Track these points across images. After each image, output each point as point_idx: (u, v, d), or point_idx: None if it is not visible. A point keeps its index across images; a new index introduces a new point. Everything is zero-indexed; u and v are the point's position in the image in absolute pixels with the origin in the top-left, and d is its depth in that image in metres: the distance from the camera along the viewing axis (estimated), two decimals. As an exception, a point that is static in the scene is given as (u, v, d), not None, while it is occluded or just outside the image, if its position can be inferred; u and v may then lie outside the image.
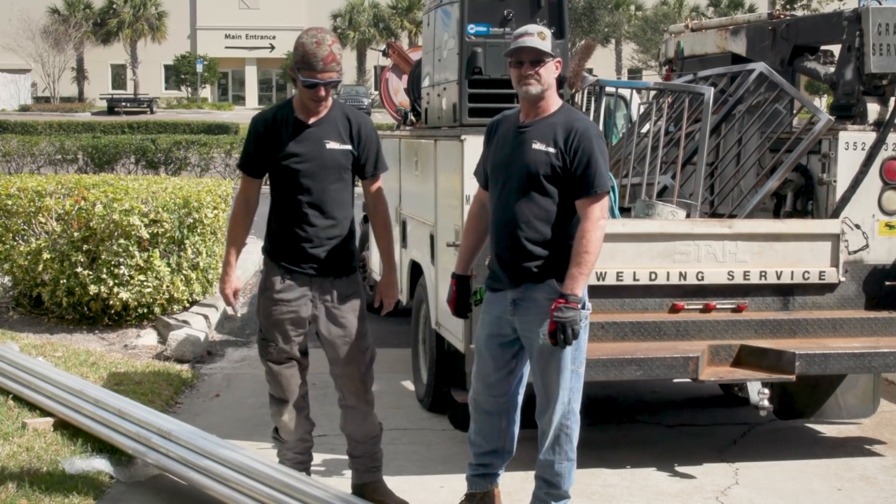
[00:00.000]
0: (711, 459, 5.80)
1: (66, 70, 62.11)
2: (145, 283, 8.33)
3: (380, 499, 4.73)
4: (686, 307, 5.64)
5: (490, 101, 5.76)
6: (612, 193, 5.81)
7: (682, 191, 6.17)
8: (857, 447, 6.10)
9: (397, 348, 7.75)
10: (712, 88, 6.29)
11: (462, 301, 4.66)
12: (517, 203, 4.32)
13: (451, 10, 6.01)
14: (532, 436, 4.53)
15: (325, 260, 4.53)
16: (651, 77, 49.68)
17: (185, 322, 8.45)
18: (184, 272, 8.67)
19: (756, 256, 5.71)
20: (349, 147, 4.53)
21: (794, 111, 6.51)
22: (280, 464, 4.80)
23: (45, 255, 8.35)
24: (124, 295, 8.28)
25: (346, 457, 4.88)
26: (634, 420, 6.61)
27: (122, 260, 8.21)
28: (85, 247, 8.28)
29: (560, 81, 5.89)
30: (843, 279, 5.80)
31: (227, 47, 67.93)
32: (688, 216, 5.85)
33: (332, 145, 4.49)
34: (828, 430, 6.42)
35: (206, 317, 8.87)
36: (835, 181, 5.86)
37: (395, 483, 5.14)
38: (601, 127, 6.53)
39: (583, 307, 4.25)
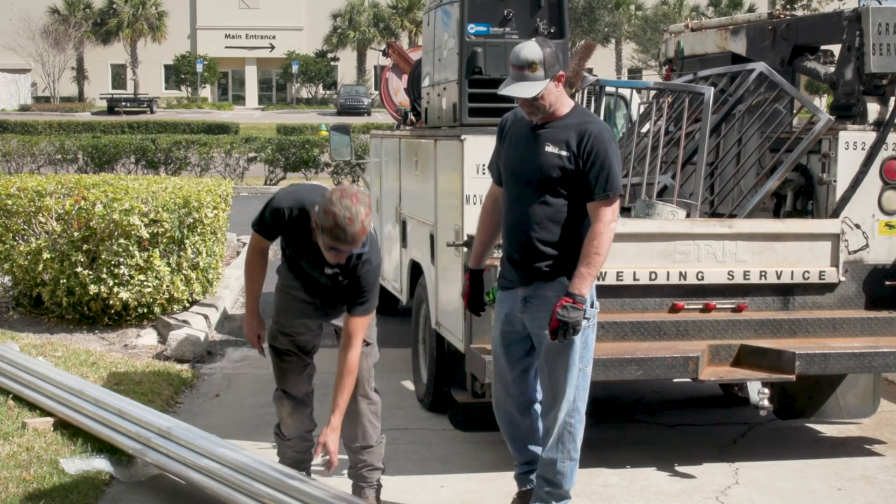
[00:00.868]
0: (711, 459, 5.80)
1: (66, 70, 62.14)
2: (145, 283, 8.33)
3: None
4: (686, 307, 5.64)
5: (490, 101, 5.76)
6: None
7: (682, 191, 6.17)
8: (857, 447, 6.10)
9: (397, 348, 7.74)
10: (712, 88, 6.29)
11: (475, 296, 4.68)
12: (530, 204, 4.33)
13: (451, 10, 6.01)
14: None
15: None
16: (651, 77, 49.67)
17: (185, 322, 8.45)
18: (184, 272, 8.67)
19: (756, 256, 5.71)
20: (347, 281, 4.48)
21: (794, 111, 6.51)
22: (280, 462, 4.80)
23: (45, 255, 8.35)
24: (124, 295, 8.28)
25: (346, 457, 4.88)
26: (634, 420, 6.61)
27: (122, 260, 8.21)
28: (85, 247, 8.27)
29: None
30: (843, 279, 5.80)
31: (227, 47, 67.95)
32: (688, 216, 5.85)
33: (330, 271, 4.46)
34: (828, 430, 6.42)
35: (206, 317, 8.87)
36: (835, 181, 5.86)
37: (394, 483, 5.15)
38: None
39: (591, 306, 4.28)
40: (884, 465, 5.79)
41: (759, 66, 6.35)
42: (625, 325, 5.48)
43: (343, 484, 4.84)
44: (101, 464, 5.23)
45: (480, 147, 5.56)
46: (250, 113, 59.28)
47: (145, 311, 8.57)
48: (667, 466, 5.64)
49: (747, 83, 6.35)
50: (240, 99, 69.27)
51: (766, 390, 5.52)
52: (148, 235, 8.24)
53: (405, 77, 8.36)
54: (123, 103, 54.76)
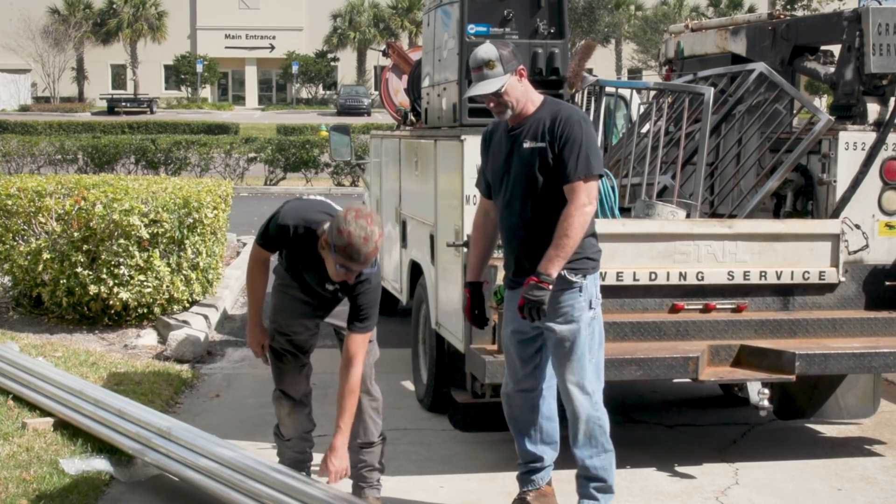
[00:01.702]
0: (711, 459, 5.80)
1: (66, 70, 62.15)
2: (145, 283, 8.33)
3: None
4: (686, 307, 5.64)
5: (490, 102, 5.75)
6: (612, 193, 5.82)
7: (682, 191, 6.17)
8: (857, 447, 6.10)
9: (397, 348, 7.74)
10: (712, 88, 6.29)
11: (477, 308, 4.69)
12: (521, 205, 4.36)
13: (451, 10, 6.01)
14: (563, 434, 4.55)
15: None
16: (651, 77, 49.67)
17: (185, 322, 8.46)
18: (184, 272, 8.67)
19: (756, 256, 5.71)
20: (346, 298, 4.54)
21: (794, 111, 6.51)
22: (280, 463, 4.81)
23: (45, 255, 8.35)
24: (124, 295, 8.28)
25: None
26: (634, 420, 6.61)
27: (122, 260, 8.21)
28: (85, 247, 8.27)
29: (559, 83, 5.91)
30: (843, 279, 5.80)
31: (227, 47, 67.95)
32: (688, 216, 5.85)
33: (331, 287, 4.55)
34: (828, 430, 6.42)
35: (206, 317, 8.87)
36: (835, 181, 5.86)
37: (394, 483, 5.14)
38: (601, 127, 6.53)
39: (595, 297, 4.38)
40: (884, 465, 5.79)
41: (759, 67, 6.35)
42: (625, 326, 5.48)
43: (343, 484, 4.83)
44: (101, 464, 5.24)
45: (480, 147, 5.56)
46: (250, 113, 59.27)
47: (145, 311, 8.57)
48: (667, 466, 5.64)
49: (747, 83, 6.35)
50: (240, 99, 69.27)
51: (766, 390, 5.51)
52: (148, 236, 8.23)
53: (405, 77, 8.35)
54: (123, 103, 54.76)
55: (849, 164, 5.83)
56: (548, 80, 5.85)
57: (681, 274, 5.62)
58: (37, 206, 8.56)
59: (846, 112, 6.02)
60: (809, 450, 6.03)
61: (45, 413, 5.99)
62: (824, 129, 5.86)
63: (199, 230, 8.76)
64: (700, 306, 5.66)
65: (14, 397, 6.28)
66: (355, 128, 21.45)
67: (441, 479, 5.40)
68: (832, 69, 6.31)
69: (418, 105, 7.31)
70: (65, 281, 8.33)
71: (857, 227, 5.84)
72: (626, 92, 8.65)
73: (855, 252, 5.84)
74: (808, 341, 5.58)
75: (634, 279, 5.57)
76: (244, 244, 13.12)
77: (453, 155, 5.72)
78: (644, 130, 6.80)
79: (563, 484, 4.84)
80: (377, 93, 8.96)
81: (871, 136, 5.85)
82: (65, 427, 5.79)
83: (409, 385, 7.13)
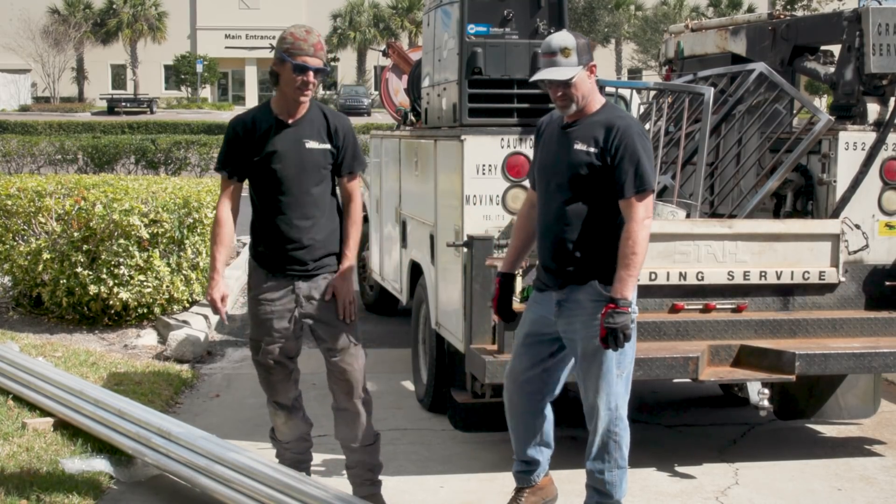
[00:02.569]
0: (711, 459, 5.80)
1: (66, 70, 62.13)
2: (145, 283, 8.33)
3: None
4: (686, 307, 5.64)
5: (490, 101, 5.76)
6: None
7: (682, 191, 6.17)
8: (857, 447, 6.10)
9: (397, 348, 7.74)
10: (712, 88, 6.29)
11: (504, 300, 4.61)
12: (561, 205, 4.28)
13: (451, 10, 6.01)
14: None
15: (309, 260, 4.53)
16: (651, 77, 49.67)
17: (185, 322, 8.46)
18: (184, 272, 8.67)
19: (756, 256, 5.71)
20: (328, 146, 4.52)
21: (794, 111, 6.51)
22: (279, 464, 4.80)
23: (45, 255, 8.35)
24: (124, 295, 8.28)
25: (343, 456, 4.87)
26: (634, 420, 6.57)
27: (122, 260, 8.21)
28: (85, 247, 8.28)
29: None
30: (843, 279, 5.80)
31: (227, 47, 67.93)
32: (688, 216, 5.85)
33: (311, 144, 4.49)
34: (828, 430, 6.42)
35: (206, 317, 8.87)
36: (835, 181, 5.86)
37: (394, 483, 5.14)
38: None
39: (630, 314, 4.18)
40: (884, 465, 5.79)
41: (759, 67, 6.35)
42: (625, 326, 5.46)
43: (343, 484, 4.84)
44: (101, 464, 5.23)
45: (480, 147, 5.57)
46: (250, 113, 59.21)
47: (145, 311, 8.58)
48: (667, 466, 5.64)
49: (747, 83, 6.35)
50: (240, 99, 69.25)
51: (766, 390, 5.51)
52: (148, 236, 8.24)
53: (405, 77, 8.36)
54: (123, 103, 54.73)
55: (849, 164, 5.83)
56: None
57: (681, 274, 5.62)
58: (37, 206, 8.57)
59: (846, 112, 6.02)
60: (809, 450, 6.03)
61: (45, 413, 5.99)
62: (824, 129, 5.86)
63: (199, 230, 8.77)
64: (700, 306, 5.66)
65: (14, 397, 6.28)
66: (355, 128, 21.43)
67: (441, 479, 5.40)
68: (832, 69, 6.31)
69: (418, 105, 7.31)
70: (65, 281, 8.33)
71: (857, 227, 5.84)
72: (626, 92, 8.66)
73: (855, 252, 5.84)
74: (808, 341, 5.58)
75: (634, 279, 5.55)
76: (244, 244, 13.12)
77: (453, 155, 5.72)
78: (644, 130, 6.79)
79: (563, 484, 4.84)
80: (377, 93, 8.98)
81: (871, 136, 5.85)
82: (65, 427, 5.79)
83: (409, 385, 7.13)
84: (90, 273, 8.26)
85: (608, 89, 6.90)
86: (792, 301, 5.78)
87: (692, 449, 5.98)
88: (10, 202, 8.67)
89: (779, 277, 5.72)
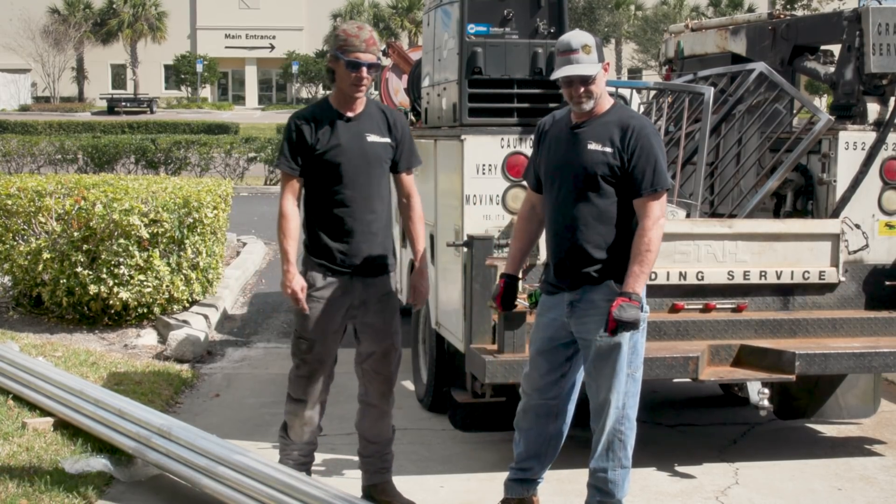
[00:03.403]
0: (711, 459, 5.80)
1: (66, 70, 62.15)
2: (145, 283, 8.33)
3: (387, 500, 4.74)
4: (686, 307, 5.64)
5: (490, 101, 5.75)
6: None
7: (682, 191, 6.17)
8: (857, 447, 6.10)
9: (397, 348, 7.74)
10: (712, 88, 6.29)
11: (508, 298, 4.62)
12: (575, 205, 4.26)
13: (451, 10, 6.01)
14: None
15: (367, 256, 4.56)
16: (651, 77, 49.67)
17: (185, 322, 8.46)
18: (184, 272, 8.67)
19: (756, 256, 5.71)
20: (388, 140, 4.61)
21: (794, 111, 6.51)
22: (281, 461, 4.80)
23: (45, 255, 8.35)
24: (124, 295, 8.28)
25: (346, 457, 4.89)
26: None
27: (122, 260, 8.21)
28: (85, 247, 8.28)
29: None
30: (843, 279, 5.80)
31: (227, 47, 67.95)
32: (688, 216, 5.85)
33: (372, 138, 4.57)
34: (828, 430, 6.42)
35: (206, 317, 8.87)
36: (835, 181, 5.86)
37: (394, 482, 5.14)
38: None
39: (640, 309, 4.19)
40: (884, 465, 5.79)
41: (759, 66, 6.36)
42: (625, 325, 5.46)
43: (343, 484, 4.84)
44: (101, 464, 5.23)
45: (480, 147, 5.57)
46: (250, 113, 59.26)
47: (145, 311, 8.58)
48: (667, 466, 5.64)
49: (747, 83, 6.35)
50: (240, 99, 69.27)
51: (766, 390, 5.51)
52: (148, 235, 8.24)
53: (405, 77, 8.36)
54: (123, 103, 54.75)
55: (849, 164, 5.84)
56: (548, 80, 5.85)
57: (681, 274, 5.62)
58: (37, 206, 8.57)
59: (846, 112, 6.02)
60: (809, 450, 6.03)
61: (45, 413, 5.99)
62: (824, 129, 5.86)
63: (199, 230, 8.77)
64: (700, 306, 5.66)
65: (14, 397, 6.28)
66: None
67: (441, 479, 5.40)
68: (832, 69, 6.31)
69: (418, 105, 7.31)
70: (65, 281, 8.33)
71: (857, 226, 5.84)
72: (626, 92, 8.66)
73: (855, 252, 5.84)
74: (808, 341, 5.58)
75: (634, 279, 5.55)
76: (244, 244, 13.13)
77: (453, 155, 5.72)
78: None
79: (563, 484, 4.84)
80: (377, 92, 8.97)
81: (871, 136, 5.85)
82: (65, 427, 5.79)
83: (409, 385, 7.13)
84: (90, 273, 8.26)
85: (609, 89, 6.89)
86: (792, 301, 5.78)
87: (692, 449, 5.98)
88: (10, 202, 8.67)
89: (779, 277, 5.72)
